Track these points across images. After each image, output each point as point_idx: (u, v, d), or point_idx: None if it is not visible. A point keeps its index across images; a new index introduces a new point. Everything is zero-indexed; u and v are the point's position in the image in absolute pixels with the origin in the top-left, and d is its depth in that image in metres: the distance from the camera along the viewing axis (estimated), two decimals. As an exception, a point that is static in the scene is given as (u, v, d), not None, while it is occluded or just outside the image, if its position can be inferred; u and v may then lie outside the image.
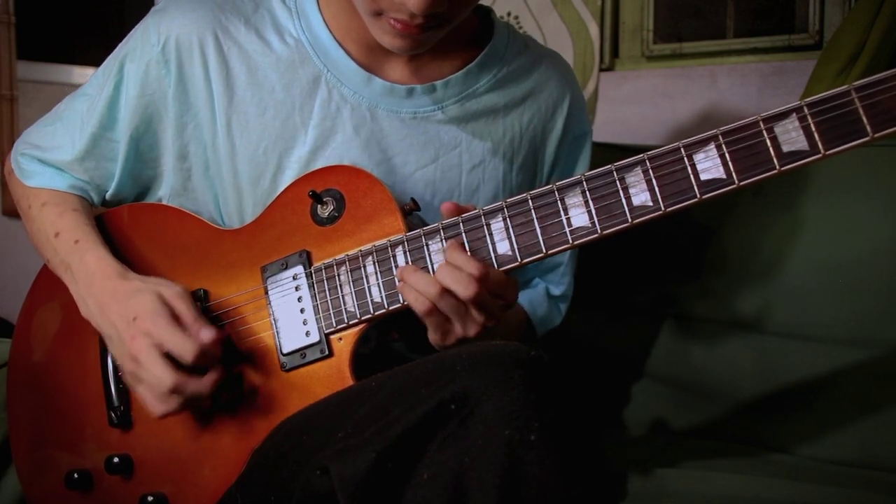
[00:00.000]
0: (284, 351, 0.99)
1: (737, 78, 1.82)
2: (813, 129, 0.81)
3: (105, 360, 1.07)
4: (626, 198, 0.87)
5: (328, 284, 0.98)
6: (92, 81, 1.13)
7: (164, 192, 1.13)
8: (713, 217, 1.34)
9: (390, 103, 1.07)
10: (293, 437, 0.91)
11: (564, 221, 0.89)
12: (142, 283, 1.00)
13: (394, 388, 0.84)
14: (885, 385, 1.20)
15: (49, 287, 1.12)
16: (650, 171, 0.86)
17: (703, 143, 0.85)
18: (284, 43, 1.07)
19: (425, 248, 0.94)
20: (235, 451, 0.99)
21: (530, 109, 1.13)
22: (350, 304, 0.96)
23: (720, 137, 0.84)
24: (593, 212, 0.88)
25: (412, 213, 0.99)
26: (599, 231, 0.88)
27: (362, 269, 0.96)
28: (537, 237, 0.90)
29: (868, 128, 0.79)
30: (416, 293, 0.90)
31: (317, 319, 0.98)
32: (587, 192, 0.88)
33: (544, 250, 0.90)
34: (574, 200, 0.89)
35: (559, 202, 0.89)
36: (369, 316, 0.95)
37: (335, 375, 0.96)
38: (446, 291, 0.89)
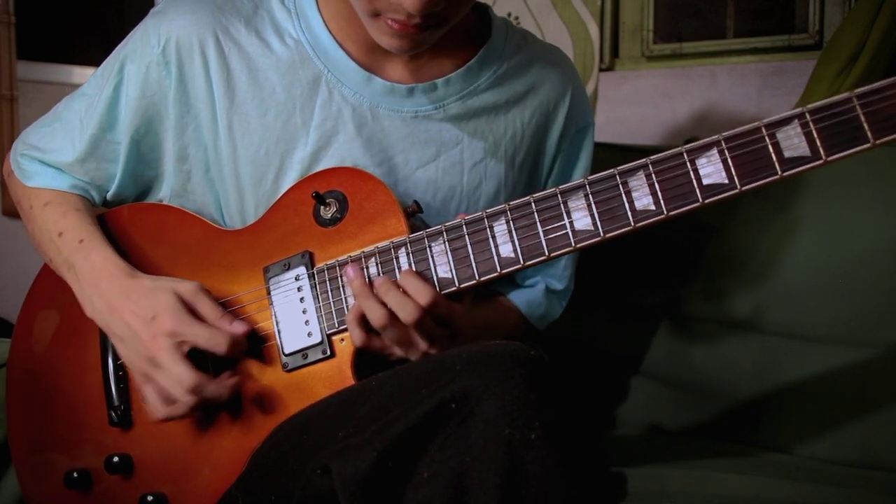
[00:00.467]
0: (286, 351, 0.99)
1: (737, 78, 1.82)
2: (815, 135, 0.81)
3: (105, 359, 1.07)
4: (628, 201, 0.87)
5: (330, 285, 0.98)
6: (91, 82, 1.13)
7: (165, 193, 1.13)
8: (713, 218, 1.34)
9: (391, 103, 1.07)
10: (294, 437, 0.91)
11: (567, 224, 0.89)
12: (153, 281, 1.00)
13: (394, 387, 0.84)
14: (885, 385, 1.21)
15: (49, 287, 1.12)
16: (653, 175, 0.87)
17: (706, 148, 0.85)
18: (284, 44, 1.06)
19: (428, 249, 0.94)
20: (236, 450, 0.99)
21: (532, 105, 1.13)
22: (352, 304, 0.96)
23: (723, 143, 0.85)
24: (596, 215, 0.88)
25: (414, 216, 1.00)
26: (602, 234, 0.88)
27: (365, 270, 0.96)
28: (540, 239, 0.90)
29: (869, 134, 0.79)
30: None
31: (319, 320, 0.98)
32: (590, 196, 0.89)
33: (547, 253, 0.90)
34: (577, 203, 0.89)
35: (562, 205, 0.90)
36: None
37: (337, 376, 0.96)
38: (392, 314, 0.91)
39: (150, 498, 1.01)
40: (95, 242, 1.05)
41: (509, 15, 2.04)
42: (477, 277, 0.92)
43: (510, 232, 0.91)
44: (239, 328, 0.96)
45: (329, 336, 0.97)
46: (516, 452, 0.75)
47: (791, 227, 1.28)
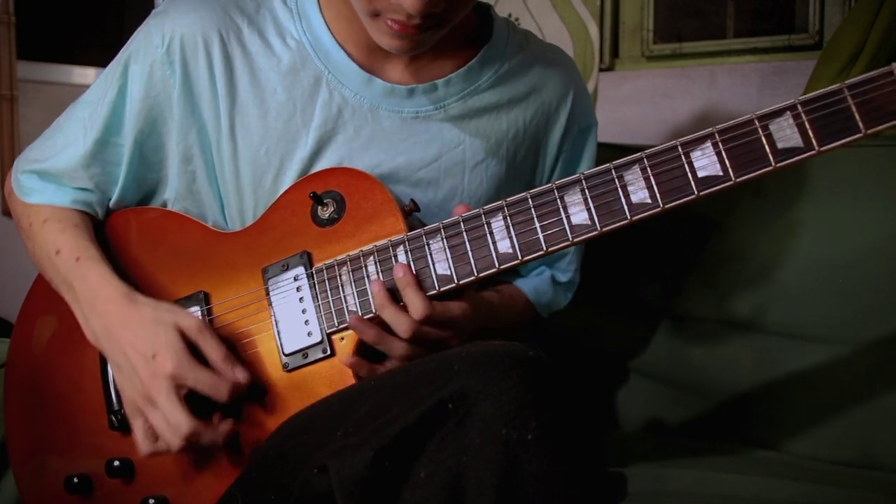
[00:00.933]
0: (286, 351, 0.99)
1: (737, 78, 1.82)
2: (807, 126, 0.83)
3: (105, 363, 1.06)
4: (624, 195, 0.88)
5: (329, 285, 0.98)
6: (93, 89, 1.11)
7: (169, 195, 1.12)
8: (713, 217, 1.34)
9: (392, 104, 1.07)
10: (294, 436, 0.91)
11: (564, 219, 0.90)
12: (154, 311, 0.97)
13: (393, 387, 0.84)
14: (885, 385, 1.20)
15: (48, 289, 1.11)
16: (648, 169, 0.87)
17: (700, 140, 0.86)
18: (286, 45, 1.06)
19: (426, 247, 0.94)
20: (237, 451, 0.99)
21: (534, 105, 1.13)
22: (352, 303, 0.96)
23: (716, 135, 0.86)
24: (592, 209, 0.89)
25: (412, 214, 1.00)
26: (599, 228, 0.89)
27: (364, 268, 0.96)
28: (537, 235, 0.91)
29: (860, 124, 0.81)
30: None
31: (318, 319, 0.98)
32: (586, 191, 0.89)
33: (545, 248, 0.90)
34: (573, 199, 0.90)
35: (559, 200, 0.90)
36: (371, 315, 0.95)
37: (337, 375, 0.96)
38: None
39: (151, 501, 1.01)
40: (92, 261, 1.03)
41: (510, 16, 2.04)
42: (476, 274, 0.93)
43: (507, 228, 0.92)
44: (242, 376, 0.95)
45: (329, 335, 0.97)
46: (513, 452, 0.75)
47: (791, 227, 1.28)
